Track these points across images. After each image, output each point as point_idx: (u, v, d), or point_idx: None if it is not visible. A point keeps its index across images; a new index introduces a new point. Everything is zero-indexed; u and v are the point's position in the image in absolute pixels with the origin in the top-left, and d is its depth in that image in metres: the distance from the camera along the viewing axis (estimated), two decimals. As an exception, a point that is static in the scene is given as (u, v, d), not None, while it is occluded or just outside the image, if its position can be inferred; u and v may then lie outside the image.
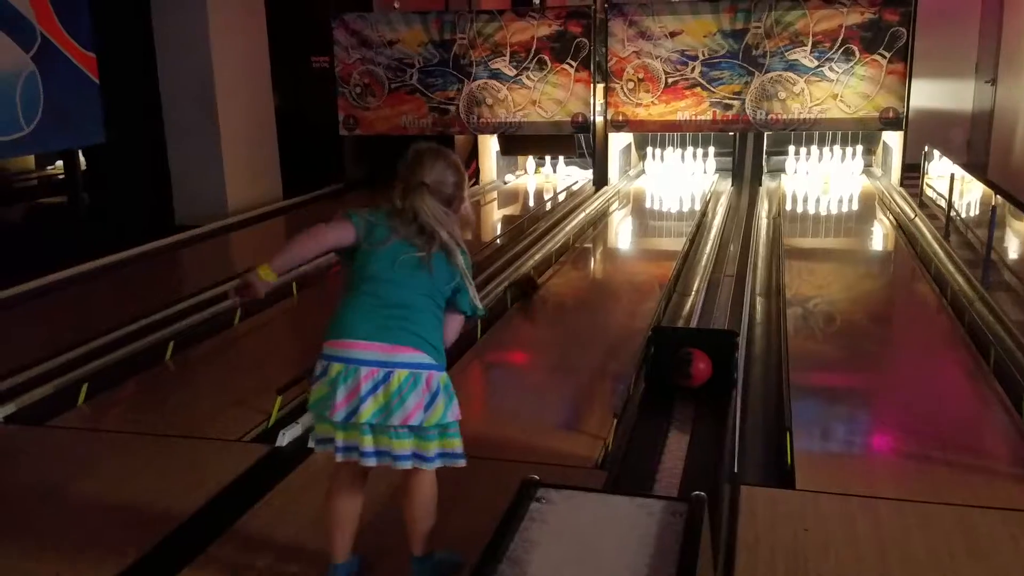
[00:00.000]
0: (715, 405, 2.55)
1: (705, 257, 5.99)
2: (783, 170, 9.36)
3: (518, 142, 9.47)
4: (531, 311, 5.11)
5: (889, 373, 4.12)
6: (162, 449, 3.22)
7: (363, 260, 2.21)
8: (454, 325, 2.32)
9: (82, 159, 7.81)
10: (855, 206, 8.12)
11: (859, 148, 9.23)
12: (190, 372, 4.19)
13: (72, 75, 6.38)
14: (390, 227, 2.22)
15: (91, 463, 3.11)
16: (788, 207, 7.94)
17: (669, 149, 9.60)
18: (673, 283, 5.36)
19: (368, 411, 2.12)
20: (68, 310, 5.23)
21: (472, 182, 9.27)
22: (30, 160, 9.26)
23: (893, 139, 8.62)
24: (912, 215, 6.97)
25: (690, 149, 9.53)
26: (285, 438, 3.21)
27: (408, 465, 2.18)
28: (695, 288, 5.27)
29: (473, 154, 9.48)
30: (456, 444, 2.23)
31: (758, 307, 4.94)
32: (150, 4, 7.50)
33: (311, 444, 2.33)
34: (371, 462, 2.17)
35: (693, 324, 4.57)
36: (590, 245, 6.96)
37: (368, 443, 2.15)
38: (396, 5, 8.95)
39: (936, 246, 5.96)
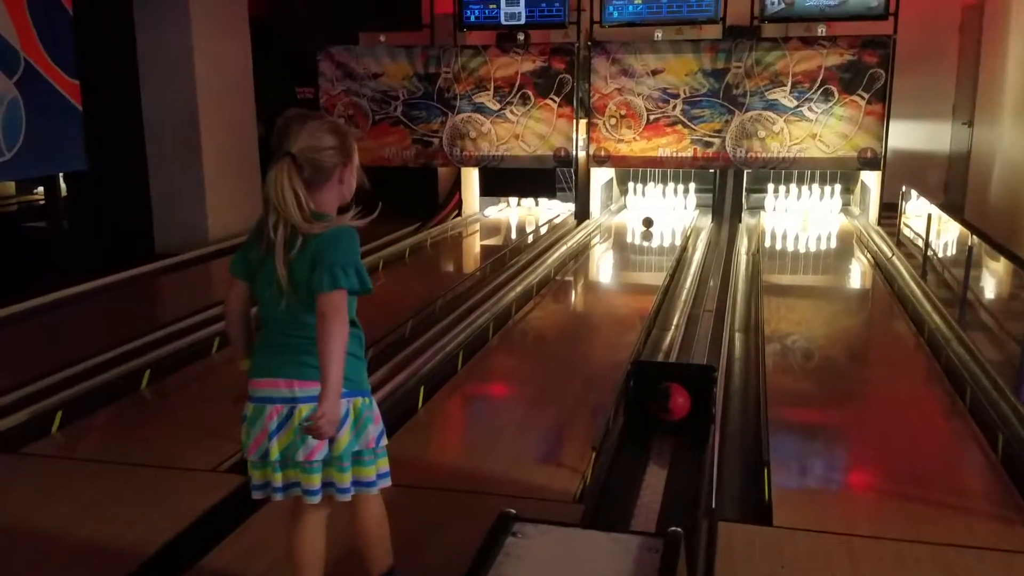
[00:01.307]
0: (693, 440, 2.55)
1: (685, 292, 6.02)
2: (763, 207, 9.46)
3: (499, 183, 9.53)
4: (510, 343, 5.11)
5: (867, 410, 4.13)
6: (135, 478, 3.16)
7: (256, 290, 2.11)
8: (321, 317, 1.97)
9: (63, 185, 7.78)
10: (833, 244, 8.21)
11: (837, 187, 9.35)
12: (166, 401, 4.14)
13: (55, 101, 6.37)
14: (257, 239, 2.05)
15: (63, 492, 3.05)
16: (767, 244, 8.01)
17: (651, 185, 9.68)
18: (653, 317, 5.38)
19: (275, 450, 2.06)
20: (45, 336, 5.16)
21: (455, 214, 9.31)
22: (10, 186, 9.20)
23: (871, 179, 8.74)
24: (890, 254, 7.05)
25: (671, 185, 9.62)
26: (261, 468, 3.16)
27: (317, 499, 2.09)
28: (675, 323, 5.29)
29: (456, 186, 9.52)
30: (369, 473, 2.13)
31: (737, 343, 4.96)
32: (135, 32, 7.50)
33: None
34: (280, 496, 2.11)
35: (672, 358, 4.59)
36: (571, 278, 6.98)
37: (278, 479, 2.09)
38: (382, 39, 9.02)
39: (913, 285, 6.03)
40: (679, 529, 1.73)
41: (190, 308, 5.40)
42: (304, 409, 2.03)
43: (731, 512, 2.95)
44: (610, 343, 5.10)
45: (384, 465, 2.18)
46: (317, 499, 2.09)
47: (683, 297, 5.88)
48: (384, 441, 2.18)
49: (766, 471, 3.11)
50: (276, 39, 9.22)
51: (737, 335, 5.11)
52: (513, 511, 1.83)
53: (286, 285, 2.00)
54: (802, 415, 3.95)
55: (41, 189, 8.49)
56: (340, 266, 1.96)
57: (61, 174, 7.31)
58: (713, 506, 2.91)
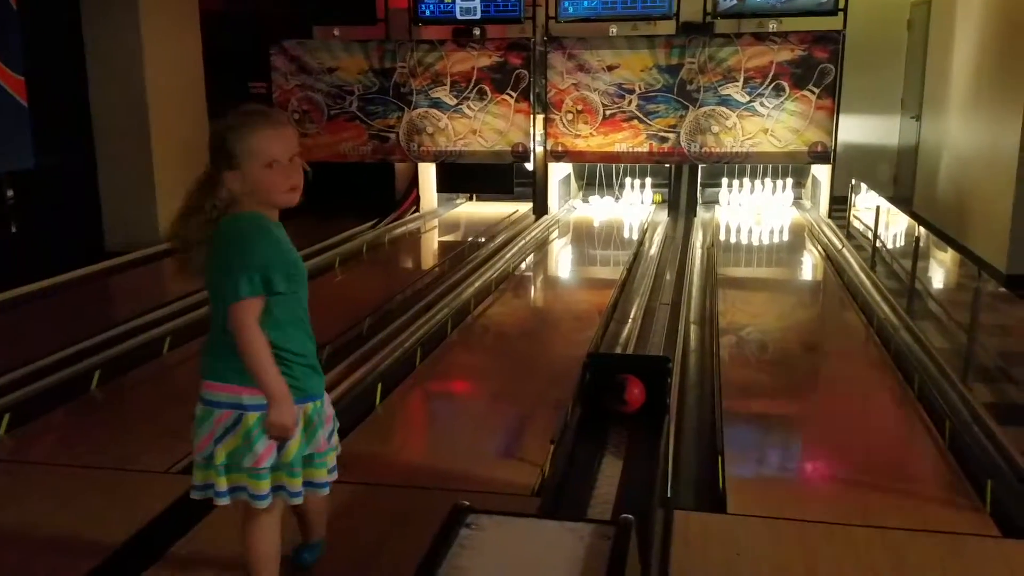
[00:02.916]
0: (648, 430, 2.58)
1: (642, 286, 6.07)
2: (717, 202, 9.57)
3: (456, 178, 9.52)
4: (469, 338, 5.11)
5: (819, 399, 4.23)
6: (87, 481, 3.11)
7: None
8: (237, 341, 1.98)
9: (10, 184, 7.59)
10: (786, 237, 8.34)
11: (789, 181, 9.50)
12: (118, 402, 4.08)
13: (0, 99, 6.21)
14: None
15: (14, 496, 3.00)
16: (722, 238, 8.11)
17: (612, 180, 9.76)
18: (611, 311, 5.42)
19: (221, 454, 2.06)
20: None
21: (413, 210, 9.27)
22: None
23: (822, 172, 8.89)
24: (840, 246, 7.18)
25: (628, 180, 9.69)
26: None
27: (264, 504, 2.10)
28: (632, 316, 5.33)
29: (414, 183, 9.47)
30: (320, 474, 2.17)
31: (692, 335, 5.02)
32: (82, 27, 7.36)
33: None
34: (224, 501, 2.11)
35: (629, 351, 4.64)
36: (530, 273, 7.01)
37: (223, 484, 2.09)
38: (336, 33, 8.94)
39: (863, 276, 6.16)
40: (630, 516, 1.76)
41: (141, 307, 5.33)
42: (251, 417, 2.04)
43: (687, 500, 3.00)
44: (568, 337, 5.12)
45: (333, 460, 2.22)
46: (265, 504, 2.09)
47: (640, 291, 5.93)
48: (335, 439, 2.22)
49: (720, 460, 3.17)
50: (228, 33, 9.09)
51: (693, 327, 5.17)
52: (467, 503, 1.84)
53: (209, 285, 2.05)
54: (756, 405, 4.02)
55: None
56: (237, 271, 1.95)
57: (6, 174, 7.13)
58: (669, 495, 2.96)
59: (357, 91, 8.87)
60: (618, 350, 4.65)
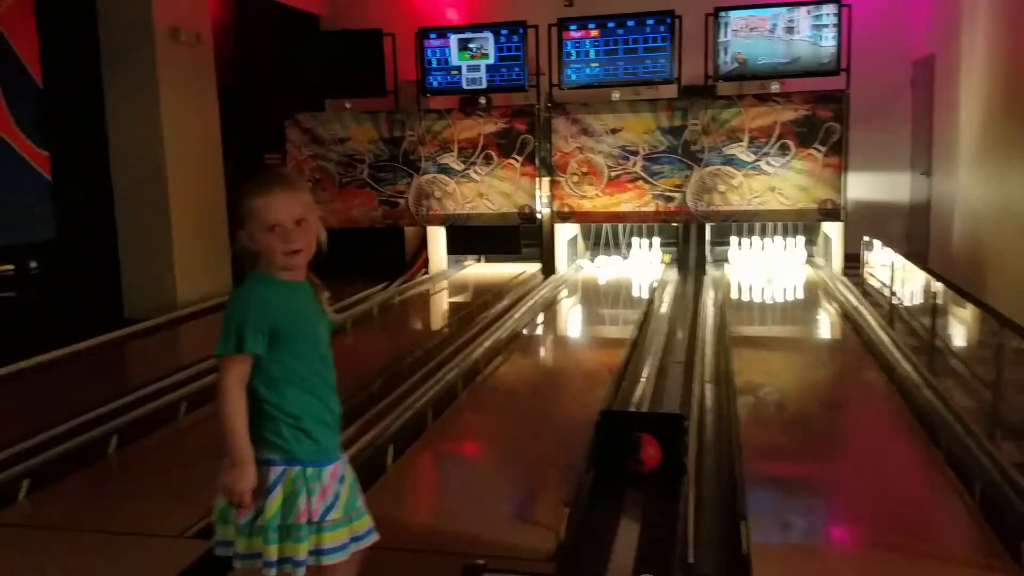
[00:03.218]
0: (666, 491, 2.54)
1: (654, 344, 6.04)
2: (727, 260, 9.59)
3: (464, 241, 9.62)
4: (479, 399, 5.09)
5: (842, 460, 4.15)
6: (102, 546, 3.13)
7: None
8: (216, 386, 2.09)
9: (33, 254, 7.73)
10: (799, 295, 8.32)
11: (800, 238, 9.51)
12: (134, 467, 4.09)
13: (24, 172, 6.44)
14: None
15: (29, 561, 3.02)
16: (733, 295, 8.10)
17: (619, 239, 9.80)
18: (622, 370, 5.39)
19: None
20: (13, 405, 5.08)
21: (423, 272, 9.34)
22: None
23: (833, 230, 8.90)
24: (856, 303, 7.14)
25: (635, 239, 9.74)
26: (228, 534, 3.11)
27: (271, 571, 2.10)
28: (645, 375, 5.30)
29: (423, 245, 9.57)
30: (298, 549, 2.10)
31: (708, 394, 4.97)
32: (104, 103, 7.57)
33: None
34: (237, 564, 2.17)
35: (645, 410, 4.59)
36: (539, 333, 7.01)
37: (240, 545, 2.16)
38: (348, 105, 9.15)
39: (882, 333, 6.08)
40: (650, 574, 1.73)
41: (157, 373, 5.37)
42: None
43: (710, 566, 2.94)
44: (580, 397, 5.09)
45: (331, 540, 2.11)
46: (237, 564, 2.09)
47: (652, 350, 5.90)
48: (333, 514, 2.11)
49: (743, 525, 3.10)
50: (244, 108, 9.31)
51: (708, 387, 5.12)
52: (481, 562, 1.81)
53: None
54: (777, 466, 3.95)
55: (10, 259, 8.34)
56: (222, 330, 2.04)
57: (31, 244, 7.28)
58: (691, 560, 2.90)
59: (368, 159, 9.03)
60: (632, 410, 4.61)
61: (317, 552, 2.10)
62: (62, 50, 7.10)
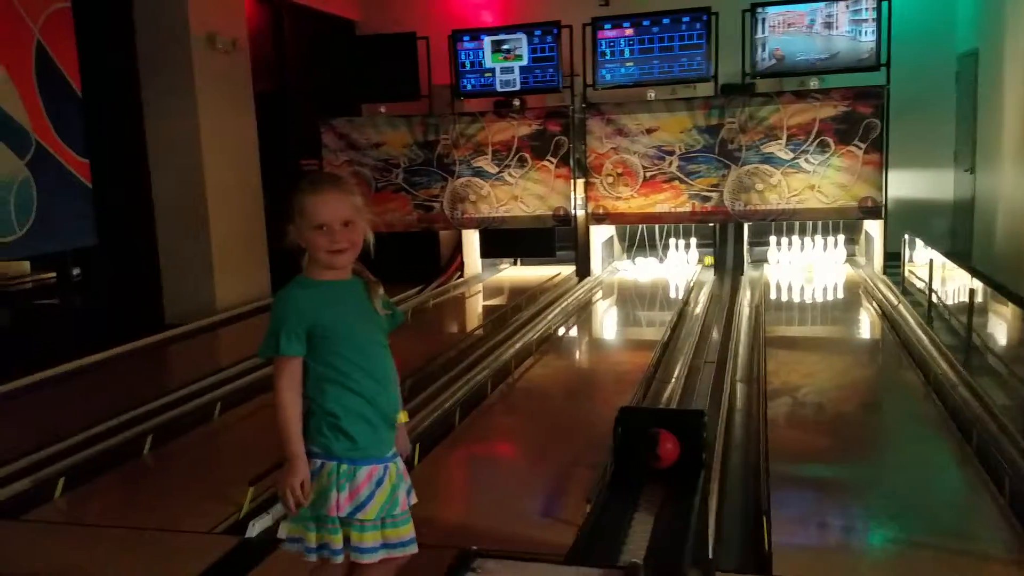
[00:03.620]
0: (682, 486, 2.52)
1: (687, 345, 5.99)
2: (766, 260, 9.47)
3: (499, 244, 9.62)
4: (509, 399, 5.09)
5: (872, 459, 4.06)
6: (132, 542, 3.20)
7: None
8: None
9: (76, 261, 7.92)
10: (838, 294, 8.18)
11: (841, 237, 9.35)
12: (167, 465, 4.17)
13: (65, 180, 6.57)
14: None
15: (60, 557, 3.09)
16: (770, 296, 7.99)
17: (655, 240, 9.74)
18: (653, 370, 5.36)
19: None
20: (54, 407, 5.23)
21: (457, 275, 9.38)
22: (26, 265, 9.36)
23: (874, 228, 8.75)
24: (896, 302, 7.00)
25: (672, 240, 9.66)
26: (255, 529, 3.18)
27: (337, 559, 2.19)
28: (675, 375, 5.25)
29: (458, 249, 9.60)
30: (333, 539, 2.17)
31: (738, 393, 4.92)
32: (143, 111, 7.70)
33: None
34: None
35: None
36: (572, 334, 6.98)
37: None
38: (382, 109, 9.23)
39: (920, 332, 5.96)
40: (638, 562, 1.71)
41: (193, 375, 5.47)
42: (328, 466, 2.14)
43: (731, 563, 2.90)
44: (609, 398, 5.04)
45: (358, 539, 2.15)
46: (337, 558, 2.16)
47: (684, 350, 5.86)
48: (362, 514, 2.14)
49: (765, 520, 3.07)
50: (282, 113, 9.44)
51: (739, 386, 5.07)
52: (475, 548, 1.81)
53: None
54: (805, 465, 3.89)
55: (54, 266, 8.58)
56: (265, 333, 2.12)
57: (73, 251, 7.47)
58: (711, 556, 2.87)
59: (402, 164, 9.10)
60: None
61: (351, 546, 2.16)
62: (101, 59, 7.25)
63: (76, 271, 7.78)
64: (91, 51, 6.95)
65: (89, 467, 4.00)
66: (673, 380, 5.15)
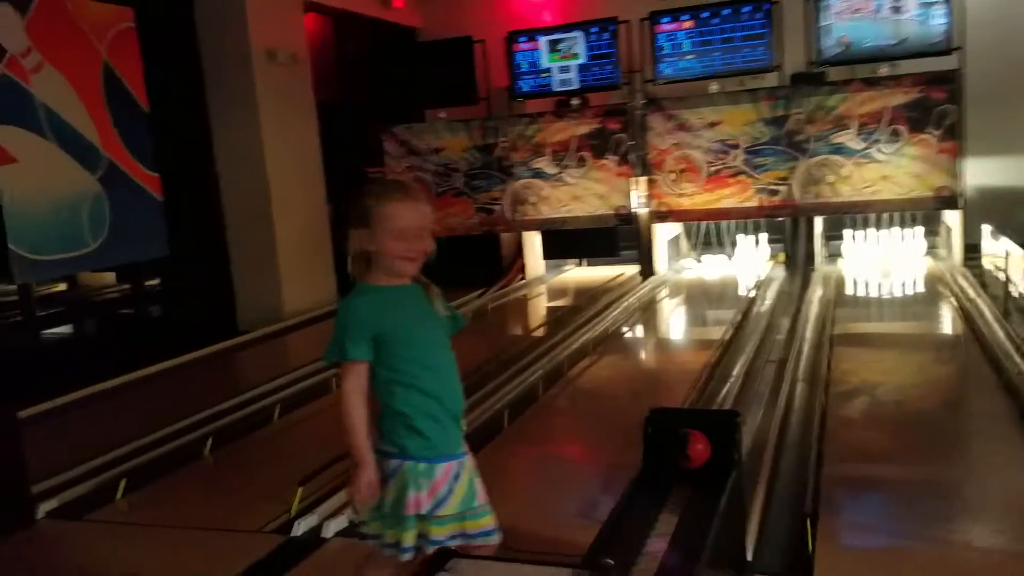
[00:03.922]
0: (710, 488, 2.43)
1: (750, 344, 5.82)
2: (840, 254, 9.15)
3: (558, 245, 9.56)
4: (560, 400, 5.03)
5: (931, 461, 3.84)
6: (184, 541, 3.33)
7: None
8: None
9: (155, 272, 8.22)
10: (913, 289, 7.85)
11: (920, 229, 8.96)
12: (226, 467, 4.29)
13: (136, 194, 6.85)
14: None
15: (116, 557, 3.23)
16: (842, 291, 7.71)
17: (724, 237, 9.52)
18: (712, 370, 5.23)
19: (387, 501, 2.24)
20: (123, 411, 5.44)
21: (519, 277, 9.35)
22: (111, 276, 9.74)
23: (953, 219, 8.36)
24: (973, 295, 6.67)
25: (740, 237, 9.43)
26: (300, 528, 3.26)
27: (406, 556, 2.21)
28: (734, 374, 5.10)
29: (519, 251, 9.58)
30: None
31: (798, 393, 4.74)
32: (209, 124, 7.94)
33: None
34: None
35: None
36: (631, 335, 6.88)
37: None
38: (442, 115, 9.28)
39: (996, 327, 5.65)
40: (610, 560, 1.66)
41: (254, 381, 5.61)
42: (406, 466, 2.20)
43: (773, 565, 2.83)
44: (664, 398, 4.94)
45: (436, 533, 2.19)
46: (407, 556, 2.19)
47: (746, 349, 5.69)
48: (443, 510, 2.19)
49: (808, 522, 2.95)
50: (345, 122, 9.59)
51: (799, 385, 4.88)
52: (452, 547, 1.79)
53: None
54: (862, 466, 3.74)
55: (134, 276, 8.87)
56: (331, 339, 2.18)
57: (153, 263, 7.74)
58: (749, 558, 2.78)
59: (462, 168, 9.13)
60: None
61: (424, 539, 2.19)
62: (166, 76, 7.49)
63: (151, 282, 8.06)
64: (157, 68, 7.20)
65: (152, 468, 4.14)
66: (731, 379, 5.00)
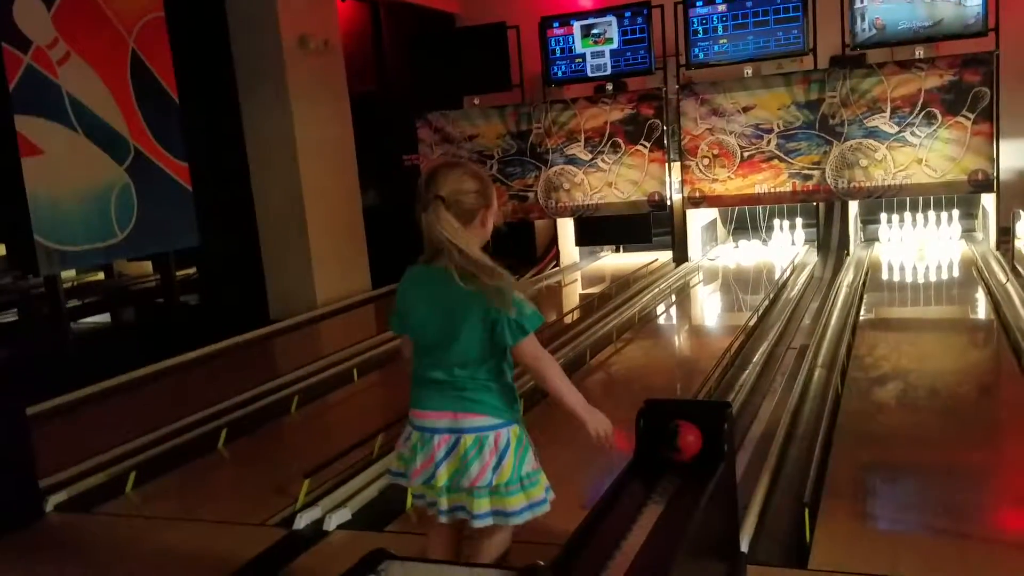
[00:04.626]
0: (697, 480, 2.50)
1: (773, 330, 5.83)
2: (877, 239, 9.06)
3: (592, 232, 9.59)
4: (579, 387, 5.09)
5: (946, 448, 3.86)
6: (188, 533, 3.36)
7: (412, 335, 2.35)
8: (527, 367, 2.31)
9: (191, 261, 8.37)
10: (947, 273, 7.75)
11: (956, 212, 8.84)
12: (239, 459, 4.33)
13: (165, 184, 6.87)
14: (411, 285, 2.31)
15: (120, 549, 3.28)
16: (874, 276, 7.65)
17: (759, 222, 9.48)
18: (733, 357, 5.26)
19: (442, 476, 2.25)
20: (140, 403, 5.48)
21: (553, 264, 9.41)
22: (148, 266, 9.92)
23: (990, 202, 8.22)
24: (1004, 279, 6.59)
25: (777, 221, 9.38)
26: (303, 521, 3.29)
27: (488, 522, 2.26)
28: (754, 361, 5.14)
29: (553, 238, 9.64)
30: (537, 493, 2.31)
31: (815, 379, 4.76)
32: (239, 113, 8.05)
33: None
34: (443, 519, 2.30)
35: (741, 398, 4.48)
36: (658, 321, 6.91)
37: (444, 503, 2.28)
38: (476, 101, 9.34)
39: (1022, 311, 5.61)
40: (541, 563, 1.73)
41: (276, 372, 5.68)
42: (468, 439, 2.22)
43: (771, 556, 2.87)
44: (682, 386, 5.01)
45: (545, 480, 2.36)
46: (489, 521, 2.26)
47: (770, 335, 5.71)
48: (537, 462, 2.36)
49: (807, 511, 3.00)
50: (382, 110, 9.69)
51: (818, 371, 4.90)
52: (387, 549, 1.85)
53: (460, 322, 2.21)
54: (873, 453, 3.75)
55: (172, 266, 9.01)
56: (521, 314, 2.20)
57: (189, 252, 7.85)
58: (744, 550, 2.84)
59: (496, 155, 9.20)
60: (732, 396, 4.50)
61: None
62: (196, 65, 7.56)
63: (184, 272, 8.20)
64: (187, 57, 7.26)
65: (163, 460, 4.16)
66: (750, 366, 5.04)
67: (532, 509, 2.30)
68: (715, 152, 8.59)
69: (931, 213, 8.88)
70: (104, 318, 8.56)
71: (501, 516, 2.26)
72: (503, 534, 2.36)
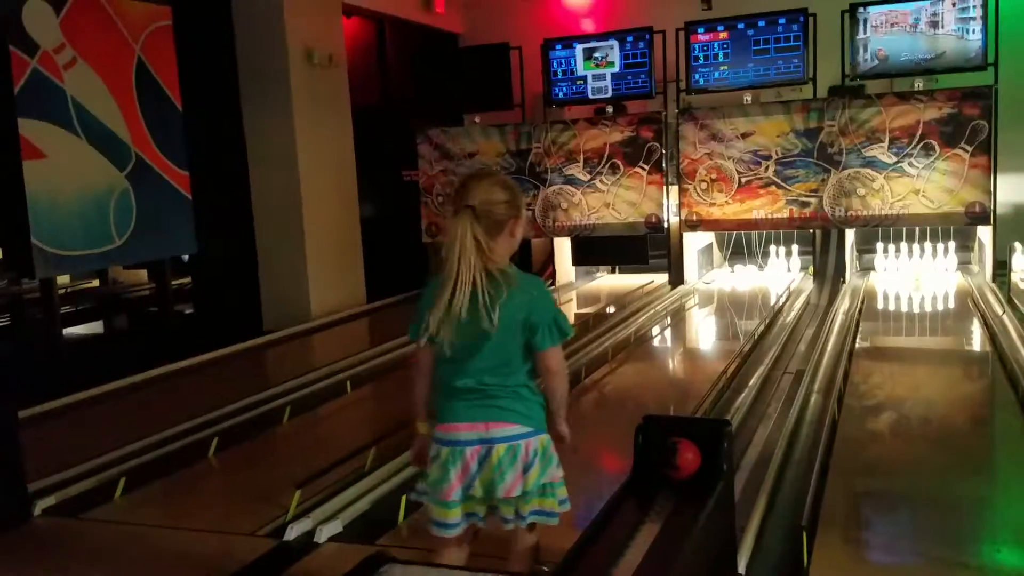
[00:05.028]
0: (695, 499, 2.48)
1: (768, 355, 5.83)
2: (873, 268, 9.09)
3: (589, 251, 9.59)
4: (575, 408, 5.07)
5: (942, 475, 3.85)
6: (176, 542, 3.32)
7: (437, 347, 2.32)
8: (552, 373, 2.35)
9: (186, 270, 8.35)
10: (943, 304, 7.78)
11: (952, 244, 8.88)
12: (229, 468, 4.30)
13: (165, 191, 6.89)
14: (438, 298, 2.24)
15: (107, 555, 3.25)
16: (870, 305, 7.66)
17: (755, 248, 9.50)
18: (729, 380, 5.25)
19: (478, 489, 2.27)
20: (132, 411, 5.44)
21: (549, 283, 9.41)
22: (143, 274, 9.92)
23: (986, 234, 8.26)
24: (1000, 312, 6.60)
25: (773, 247, 9.40)
26: (293, 532, 3.26)
27: (511, 526, 2.37)
28: (750, 384, 5.13)
29: (550, 257, 9.64)
30: (551, 503, 2.37)
31: (811, 404, 4.75)
32: (242, 124, 8.07)
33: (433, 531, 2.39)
34: (481, 523, 2.42)
35: (737, 420, 4.47)
36: (652, 344, 6.90)
37: (481, 510, 2.38)
38: (476, 120, 9.38)
39: (1019, 344, 5.62)
40: (544, 567, 1.71)
41: (266, 383, 5.63)
42: (500, 449, 2.26)
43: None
44: (677, 408, 4.99)
45: (563, 493, 2.43)
46: (511, 526, 2.36)
47: (765, 360, 5.70)
48: (562, 472, 2.41)
49: (804, 534, 2.99)
50: (385, 125, 9.72)
51: (814, 397, 4.90)
52: (384, 552, 1.83)
53: (492, 330, 2.21)
54: (868, 481, 3.75)
55: (166, 275, 9.00)
56: (557, 321, 2.27)
57: (186, 260, 7.83)
58: (741, 571, 2.82)
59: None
60: (728, 419, 4.49)
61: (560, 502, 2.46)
62: (202, 74, 7.61)
63: (178, 281, 8.18)
64: (192, 67, 7.30)
65: (153, 467, 4.14)
66: (745, 390, 5.03)
67: (540, 516, 2.39)
68: (713, 176, 8.63)
69: (927, 244, 8.91)
70: (97, 326, 8.51)
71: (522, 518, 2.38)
72: (534, 534, 2.47)
